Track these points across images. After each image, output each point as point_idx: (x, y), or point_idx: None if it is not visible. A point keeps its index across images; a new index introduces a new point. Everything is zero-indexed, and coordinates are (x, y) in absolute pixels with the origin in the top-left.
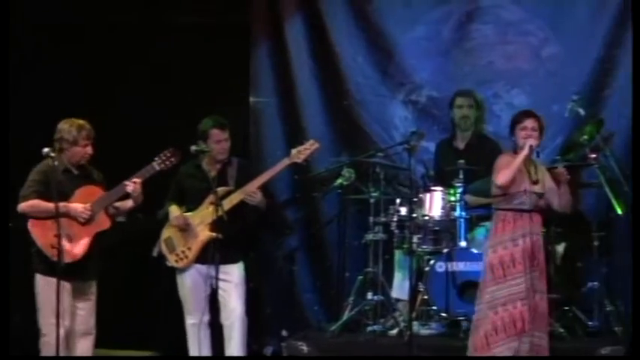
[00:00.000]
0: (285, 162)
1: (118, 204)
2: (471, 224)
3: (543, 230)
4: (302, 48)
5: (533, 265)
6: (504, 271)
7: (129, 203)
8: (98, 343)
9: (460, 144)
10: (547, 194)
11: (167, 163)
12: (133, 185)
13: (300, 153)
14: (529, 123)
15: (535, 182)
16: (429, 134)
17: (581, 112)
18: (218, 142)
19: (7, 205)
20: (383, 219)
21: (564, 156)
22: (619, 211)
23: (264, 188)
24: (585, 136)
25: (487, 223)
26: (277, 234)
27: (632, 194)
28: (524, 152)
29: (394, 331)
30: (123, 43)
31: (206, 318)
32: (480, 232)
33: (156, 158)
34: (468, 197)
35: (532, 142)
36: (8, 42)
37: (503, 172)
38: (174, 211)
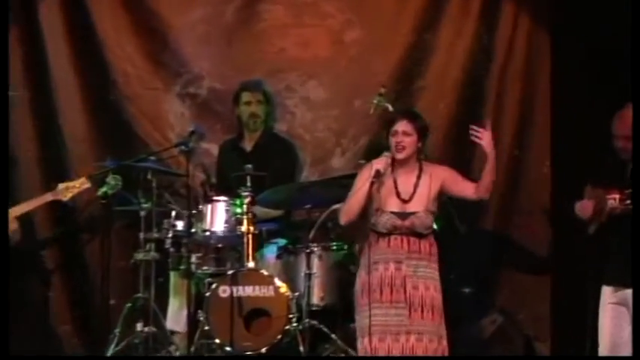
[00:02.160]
0: (48, 198)
1: None
2: (261, 241)
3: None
4: (58, 32)
5: (397, 299)
6: (367, 298)
7: None
8: None
9: (247, 145)
10: (448, 195)
11: None
12: None
13: (67, 190)
14: (400, 126)
15: (404, 201)
16: (210, 134)
17: (389, 107)
18: None
19: (6, 205)
20: (156, 235)
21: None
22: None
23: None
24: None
25: (279, 240)
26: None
27: (633, 194)
28: (369, 182)
29: None
30: None
31: None
32: (270, 250)
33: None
34: (257, 209)
35: (379, 166)
36: (8, 42)
37: (344, 210)
38: None
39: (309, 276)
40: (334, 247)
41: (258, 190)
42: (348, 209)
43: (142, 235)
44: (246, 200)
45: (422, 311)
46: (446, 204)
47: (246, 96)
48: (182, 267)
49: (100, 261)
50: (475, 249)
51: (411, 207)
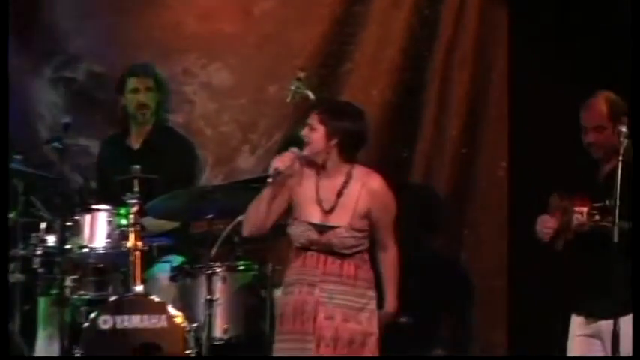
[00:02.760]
0: None
1: None
2: (151, 259)
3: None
4: None
5: (304, 329)
6: (290, 324)
7: None
8: None
9: (135, 143)
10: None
11: None
12: None
13: None
14: (310, 119)
15: (328, 211)
16: (89, 128)
17: (310, 95)
18: None
19: (6, 205)
20: (21, 252)
21: None
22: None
23: None
24: None
25: (173, 258)
26: None
27: (632, 194)
28: (269, 186)
29: None
30: None
31: None
32: (162, 271)
33: None
34: (147, 220)
35: (279, 164)
36: (7, 42)
37: (246, 219)
38: None
39: (210, 302)
40: (241, 268)
41: (148, 197)
42: (248, 218)
43: None
44: (133, 209)
45: (335, 347)
46: None
47: (132, 82)
48: (54, 291)
49: None
50: (417, 272)
51: (332, 220)
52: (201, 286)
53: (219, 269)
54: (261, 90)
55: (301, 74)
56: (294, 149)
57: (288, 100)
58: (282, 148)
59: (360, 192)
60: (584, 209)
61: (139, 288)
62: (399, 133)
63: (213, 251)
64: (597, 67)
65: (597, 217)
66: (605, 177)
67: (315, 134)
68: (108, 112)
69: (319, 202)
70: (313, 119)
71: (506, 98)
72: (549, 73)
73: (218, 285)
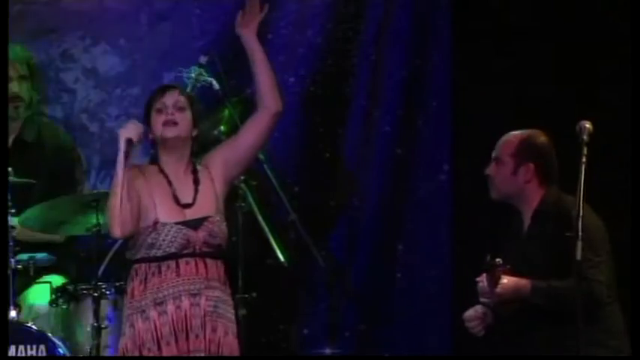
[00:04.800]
0: None
1: None
2: (26, 280)
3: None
4: None
5: (195, 347)
6: (172, 347)
7: None
8: None
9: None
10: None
11: None
12: None
13: None
14: (170, 98)
15: (186, 205)
16: None
17: (215, 84)
18: None
19: (6, 205)
20: None
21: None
22: (281, 257)
23: None
24: (222, 127)
25: (53, 278)
26: None
27: (632, 195)
28: (120, 155)
29: None
30: None
31: None
32: (39, 293)
33: None
34: (20, 231)
35: (130, 133)
36: (7, 42)
37: (110, 216)
38: None
39: (98, 330)
40: None
41: (22, 205)
42: (112, 215)
43: None
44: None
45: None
46: (296, 228)
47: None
48: None
49: None
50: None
51: (195, 213)
52: (88, 312)
53: (108, 291)
54: (156, 78)
55: (203, 59)
56: (127, 129)
57: (188, 90)
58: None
59: (208, 172)
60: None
61: (12, 314)
62: (322, 129)
63: (101, 269)
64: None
65: (499, 288)
66: (527, 229)
67: (184, 115)
68: None
69: (176, 199)
70: (178, 98)
71: (450, 87)
72: (502, 55)
73: (108, 309)
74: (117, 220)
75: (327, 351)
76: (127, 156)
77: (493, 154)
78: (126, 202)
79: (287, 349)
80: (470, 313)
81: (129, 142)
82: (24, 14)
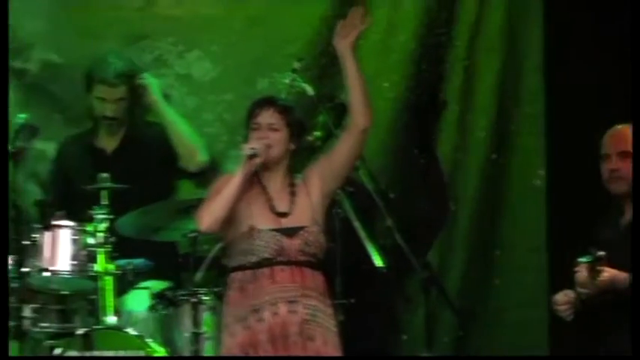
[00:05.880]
0: None
1: None
2: (125, 285)
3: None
4: None
5: (291, 352)
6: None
7: None
8: None
9: (108, 144)
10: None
11: None
12: None
13: None
14: (264, 118)
15: (282, 214)
16: (46, 128)
17: (308, 90)
18: None
19: (6, 205)
20: None
21: None
22: (378, 262)
23: None
24: (317, 133)
25: (151, 283)
26: None
27: (632, 194)
28: (241, 168)
29: None
30: None
31: None
32: (138, 298)
33: None
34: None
35: (254, 146)
36: (7, 42)
37: (207, 209)
38: None
39: (196, 337)
40: None
41: (120, 210)
42: (211, 209)
43: None
44: (103, 225)
45: None
46: (392, 234)
47: (99, 90)
48: (11, 323)
49: None
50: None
51: (291, 222)
52: (186, 317)
53: (206, 297)
54: (250, 84)
55: (297, 65)
56: (253, 143)
57: (283, 96)
58: None
59: (306, 185)
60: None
61: (111, 319)
62: (416, 134)
63: (198, 276)
64: None
65: (600, 278)
66: (629, 220)
67: (279, 134)
68: (67, 109)
69: (272, 208)
70: (275, 117)
71: (543, 92)
72: (597, 58)
73: (205, 316)
74: (213, 216)
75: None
76: (249, 166)
77: (613, 150)
78: (228, 208)
79: (385, 355)
80: (560, 296)
81: (251, 158)
82: (117, 20)
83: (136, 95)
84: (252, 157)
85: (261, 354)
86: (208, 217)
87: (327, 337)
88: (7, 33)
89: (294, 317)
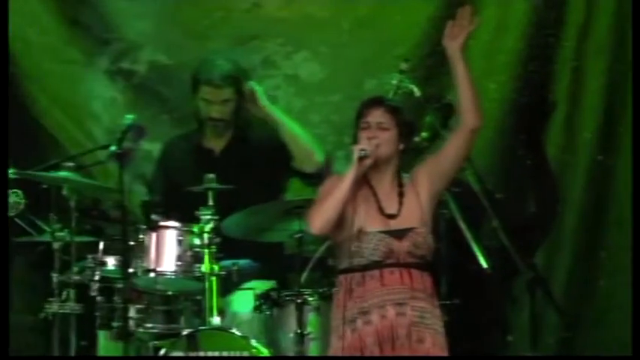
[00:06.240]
0: None
1: None
2: (229, 285)
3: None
4: None
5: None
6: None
7: None
8: None
9: (215, 145)
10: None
11: None
12: None
13: None
14: (374, 117)
15: (391, 216)
16: (153, 129)
17: (415, 90)
18: None
19: (6, 203)
20: (76, 277)
21: None
22: (483, 263)
23: None
24: (424, 134)
25: (256, 283)
26: None
27: (633, 194)
28: (351, 168)
29: None
30: None
31: None
32: (243, 299)
33: None
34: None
35: (364, 146)
36: (7, 42)
37: (318, 211)
38: None
39: (301, 337)
40: None
41: (226, 211)
42: (322, 210)
43: (55, 277)
44: (209, 226)
45: None
46: (498, 235)
47: (205, 92)
48: (115, 324)
49: None
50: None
51: (400, 224)
52: (291, 318)
53: (311, 298)
54: (358, 85)
55: (404, 66)
56: (364, 143)
57: (390, 96)
58: None
59: (414, 185)
60: None
61: (216, 320)
62: (523, 135)
63: (304, 276)
64: None
65: None
66: None
67: (388, 133)
68: (175, 110)
69: (380, 209)
70: (385, 116)
71: None
72: None
73: (310, 316)
74: (324, 218)
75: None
76: (360, 169)
77: None
78: (339, 209)
79: (490, 355)
80: None
81: (361, 158)
82: (225, 21)
83: (242, 97)
84: (362, 158)
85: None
86: (319, 219)
87: (435, 339)
88: (7, 33)
89: (403, 320)
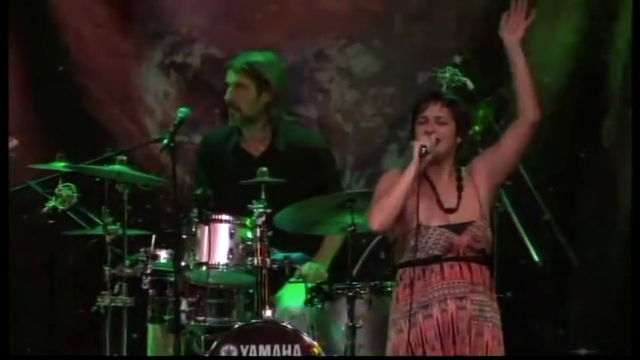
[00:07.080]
0: None
1: None
2: (281, 279)
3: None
4: None
5: (461, 351)
6: (438, 350)
7: None
8: None
9: (255, 151)
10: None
11: None
12: None
13: None
14: (432, 111)
15: (450, 210)
16: (206, 122)
17: (469, 84)
18: None
19: (6, 205)
20: (128, 270)
21: None
22: (535, 257)
23: None
24: (477, 127)
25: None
26: None
27: (633, 194)
28: (413, 164)
29: None
30: None
31: None
32: (294, 292)
33: None
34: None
35: (424, 141)
36: (7, 42)
37: (379, 208)
38: None
39: (352, 330)
40: (389, 289)
41: (278, 205)
42: (383, 208)
43: (107, 271)
44: (260, 220)
45: None
46: (551, 228)
47: (227, 75)
48: (167, 317)
49: (46, 309)
50: (593, 289)
51: (459, 218)
52: (342, 311)
53: (362, 291)
54: (411, 78)
55: (458, 59)
56: (424, 138)
57: (443, 89)
58: None
59: (472, 179)
60: None
61: (267, 313)
62: (576, 129)
63: (356, 269)
64: None
65: None
66: None
67: (446, 128)
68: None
69: (440, 204)
70: (443, 111)
71: None
72: None
73: (362, 309)
74: (385, 215)
75: (583, 351)
76: (421, 165)
77: None
78: (400, 206)
79: (541, 349)
80: None
81: (422, 153)
82: (278, 15)
83: (262, 92)
84: (423, 154)
85: (428, 351)
86: (380, 216)
87: (494, 332)
88: (7, 33)
89: (463, 313)
